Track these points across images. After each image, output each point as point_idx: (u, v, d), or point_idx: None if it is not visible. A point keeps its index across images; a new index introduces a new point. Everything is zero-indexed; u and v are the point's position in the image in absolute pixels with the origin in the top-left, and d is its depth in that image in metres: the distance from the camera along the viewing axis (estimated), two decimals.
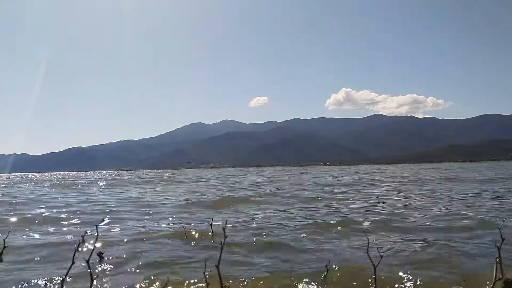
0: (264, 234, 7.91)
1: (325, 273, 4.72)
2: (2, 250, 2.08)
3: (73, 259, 2.38)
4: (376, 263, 3.01)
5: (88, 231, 4.35)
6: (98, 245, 6.15)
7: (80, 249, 2.36)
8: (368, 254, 2.38)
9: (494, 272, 2.65)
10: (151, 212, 12.30)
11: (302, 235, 7.80)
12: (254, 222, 9.60)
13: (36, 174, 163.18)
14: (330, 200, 15.16)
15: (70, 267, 2.55)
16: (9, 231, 4.50)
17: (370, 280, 3.90)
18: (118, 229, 8.85)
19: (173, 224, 9.67)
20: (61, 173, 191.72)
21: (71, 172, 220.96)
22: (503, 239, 2.75)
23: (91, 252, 2.38)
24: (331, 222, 9.21)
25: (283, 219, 10.13)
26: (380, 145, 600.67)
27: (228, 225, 6.22)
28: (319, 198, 15.85)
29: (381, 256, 2.41)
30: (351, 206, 12.95)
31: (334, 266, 5.06)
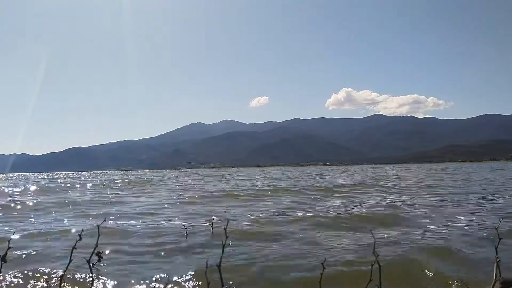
0: None
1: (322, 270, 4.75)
2: (6, 251, 2.31)
3: (70, 257, 2.42)
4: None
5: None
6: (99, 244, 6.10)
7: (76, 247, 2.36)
8: (374, 253, 2.44)
9: (494, 272, 2.67)
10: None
11: None
12: None
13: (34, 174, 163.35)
14: None
15: (68, 266, 2.58)
16: (14, 231, 4.40)
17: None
18: (117, 228, 8.81)
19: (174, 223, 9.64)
20: (63, 173, 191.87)
21: (70, 172, 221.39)
22: (500, 239, 2.77)
23: (92, 252, 2.40)
24: None
25: None
26: (380, 145, 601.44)
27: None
28: None
29: (378, 254, 2.41)
30: None
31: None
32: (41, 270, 5.00)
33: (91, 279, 2.60)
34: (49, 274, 4.86)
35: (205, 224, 8.59)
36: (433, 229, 8.05)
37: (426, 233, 7.62)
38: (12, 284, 4.57)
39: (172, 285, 4.51)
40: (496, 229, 2.93)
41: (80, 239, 2.27)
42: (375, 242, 2.57)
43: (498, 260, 2.67)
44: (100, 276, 4.71)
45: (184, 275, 4.81)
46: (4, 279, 4.68)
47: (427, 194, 15.97)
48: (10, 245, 2.30)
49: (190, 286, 4.55)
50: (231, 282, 4.47)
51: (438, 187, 19.94)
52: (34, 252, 6.14)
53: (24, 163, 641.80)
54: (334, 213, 10.11)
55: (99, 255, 5.03)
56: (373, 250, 2.35)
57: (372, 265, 2.32)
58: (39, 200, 15.96)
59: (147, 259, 5.90)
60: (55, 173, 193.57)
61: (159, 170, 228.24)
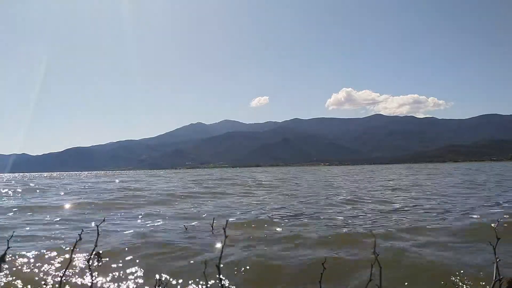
0: None
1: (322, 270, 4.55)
2: (5, 251, 2.27)
3: (70, 258, 2.42)
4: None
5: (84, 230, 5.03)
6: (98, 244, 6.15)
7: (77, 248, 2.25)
8: (375, 254, 2.44)
9: (494, 272, 2.66)
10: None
11: None
12: None
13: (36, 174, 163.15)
14: None
15: (68, 266, 2.62)
16: (14, 231, 4.43)
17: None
18: (117, 228, 8.87)
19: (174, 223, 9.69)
20: (63, 173, 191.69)
21: (70, 172, 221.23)
22: (498, 239, 2.77)
23: (91, 252, 2.29)
24: None
25: None
26: (380, 145, 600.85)
27: None
28: None
29: (378, 254, 2.43)
30: None
31: None
32: (41, 270, 5.00)
33: (90, 279, 2.53)
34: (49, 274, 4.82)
35: None
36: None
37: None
38: (12, 284, 4.52)
39: (171, 285, 4.44)
40: (494, 229, 2.97)
41: (80, 239, 2.24)
42: (375, 241, 2.63)
43: (498, 260, 2.66)
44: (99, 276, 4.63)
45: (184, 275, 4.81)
46: (4, 278, 4.65)
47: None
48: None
49: (189, 286, 4.50)
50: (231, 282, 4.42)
51: None
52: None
53: (24, 163, 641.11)
54: None
55: (98, 255, 5.02)
56: (373, 250, 2.38)
57: (372, 265, 2.36)
58: None
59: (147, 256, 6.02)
60: (78, 172, 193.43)
61: (160, 170, 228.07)
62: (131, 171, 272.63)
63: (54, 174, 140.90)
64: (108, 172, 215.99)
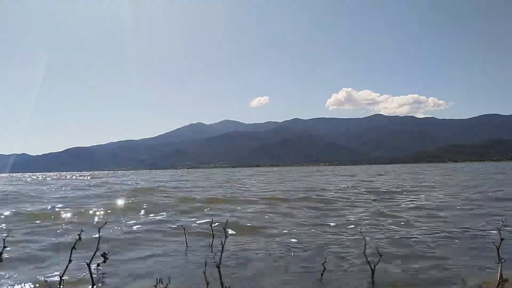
0: None
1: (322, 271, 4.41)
2: (2, 250, 2.14)
3: (69, 258, 2.28)
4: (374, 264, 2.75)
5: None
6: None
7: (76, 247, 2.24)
8: (365, 254, 2.36)
9: (499, 274, 2.60)
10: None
11: None
12: None
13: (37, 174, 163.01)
14: None
15: (67, 267, 2.47)
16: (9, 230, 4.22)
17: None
18: (117, 228, 8.83)
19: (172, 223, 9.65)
20: (64, 173, 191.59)
21: (70, 172, 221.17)
22: (502, 239, 2.70)
23: (93, 254, 2.27)
24: None
25: None
26: (380, 145, 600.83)
27: None
28: None
29: (380, 255, 2.36)
30: None
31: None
32: (40, 271, 4.86)
33: (91, 280, 2.51)
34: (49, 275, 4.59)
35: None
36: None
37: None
38: (11, 285, 4.38)
39: (172, 285, 4.37)
40: (498, 229, 2.85)
41: (80, 239, 2.06)
42: (365, 242, 2.53)
43: (503, 261, 2.59)
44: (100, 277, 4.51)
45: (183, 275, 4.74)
46: (3, 278, 4.57)
47: None
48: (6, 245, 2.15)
49: (190, 287, 4.47)
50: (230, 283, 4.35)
51: None
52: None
53: (24, 163, 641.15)
54: None
55: (104, 255, 4.99)
56: (364, 251, 2.27)
57: (375, 267, 2.26)
58: None
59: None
60: (88, 172, 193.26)
61: (161, 170, 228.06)
62: (132, 171, 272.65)
63: (106, 172, 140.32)
64: (112, 172, 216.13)
